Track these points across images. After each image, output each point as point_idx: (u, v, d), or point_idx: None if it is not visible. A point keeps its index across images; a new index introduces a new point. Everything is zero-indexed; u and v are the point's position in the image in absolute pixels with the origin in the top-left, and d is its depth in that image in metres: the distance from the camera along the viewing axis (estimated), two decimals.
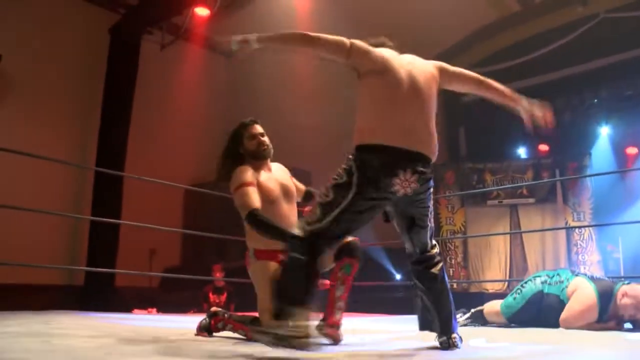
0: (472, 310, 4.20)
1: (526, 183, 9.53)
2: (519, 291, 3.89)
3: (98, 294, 6.96)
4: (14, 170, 6.80)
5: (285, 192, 3.10)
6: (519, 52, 9.68)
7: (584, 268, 8.95)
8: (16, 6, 7.73)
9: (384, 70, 2.45)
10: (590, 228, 9.08)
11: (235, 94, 10.08)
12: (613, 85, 9.38)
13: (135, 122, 8.10)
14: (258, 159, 3.07)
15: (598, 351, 2.44)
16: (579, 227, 9.04)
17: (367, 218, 2.36)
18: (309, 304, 2.17)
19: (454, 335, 2.44)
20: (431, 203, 2.49)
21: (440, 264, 2.58)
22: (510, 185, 9.63)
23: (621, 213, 8.88)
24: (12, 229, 6.58)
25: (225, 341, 2.86)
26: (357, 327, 3.95)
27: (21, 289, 6.36)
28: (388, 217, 2.56)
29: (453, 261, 9.93)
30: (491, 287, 9.45)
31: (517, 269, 9.78)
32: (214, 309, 3.16)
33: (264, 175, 3.04)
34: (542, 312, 3.73)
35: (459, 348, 2.41)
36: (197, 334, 3.09)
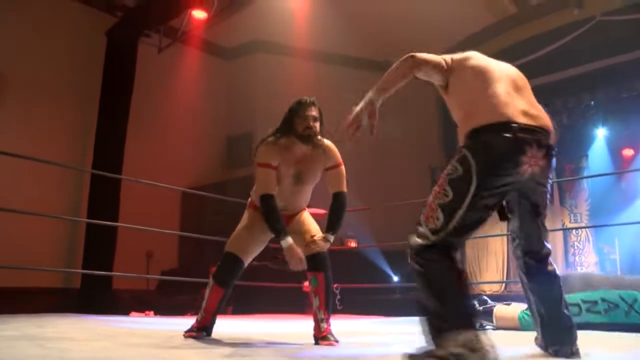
0: (480, 308, 4.03)
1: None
2: None
3: (95, 297, 6.93)
4: (10, 173, 6.80)
5: (298, 178, 3.16)
6: (515, 55, 9.65)
7: (581, 269, 8.96)
8: (13, 9, 7.73)
9: (475, 63, 2.35)
10: (587, 229, 9.09)
11: (232, 96, 10.10)
12: (609, 88, 9.39)
13: (133, 125, 8.09)
14: (301, 141, 3.10)
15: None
16: (576, 229, 9.05)
17: (494, 210, 2.12)
18: (469, 314, 1.93)
19: (575, 345, 2.15)
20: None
21: (557, 278, 2.25)
22: None
23: (618, 214, 8.88)
24: (8, 231, 6.57)
25: (221, 343, 2.86)
26: (360, 330, 3.95)
27: (17, 292, 6.34)
28: (505, 213, 2.31)
29: None
30: (488, 289, 9.45)
31: (515, 270, 9.78)
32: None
33: (289, 159, 3.12)
34: None
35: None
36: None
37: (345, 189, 3.19)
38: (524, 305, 3.78)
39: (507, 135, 1.99)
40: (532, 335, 2.40)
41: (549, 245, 2.25)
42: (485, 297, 4.14)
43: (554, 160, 2.17)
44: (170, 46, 9.08)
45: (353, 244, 8.90)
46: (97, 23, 8.44)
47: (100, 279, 6.99)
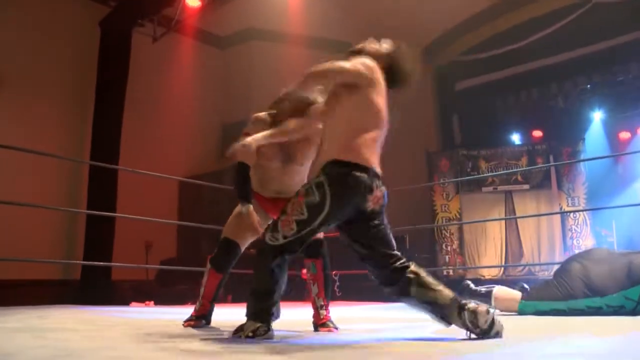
0: (480, 288, 4.00)
1: (521, 169, 9.55)
2: (555, 314, 3.54)
3: (94, 288, 6.96)
4: (7, 166, 6.79)
5: (287, 157, 3.11)
6: (511, 39, 9.68)
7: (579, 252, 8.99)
8: (6, 1, 7.68)
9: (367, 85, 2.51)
10: (585, 213, 9.12)
11: (228, 85, 10.08)
12: (606, 71, 9.39)
13: (129, 115, 8.07)
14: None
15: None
16: (574, 212, 9.08)
17: (334, 225, 2.49)
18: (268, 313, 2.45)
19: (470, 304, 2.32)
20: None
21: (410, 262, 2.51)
22: (505, 172, 9.66)
23: (615, 197, 8.92)
24: (7, 224, 6.57)
25: (221, 331, 2.87)
26: (359, 316, 3.96)
27: (17, 285, 6.36)
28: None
29: (449, 248, 9.97)
30: (487, 273, 9.50)
31: (513, 254, 9.82)
32: None
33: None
34: None
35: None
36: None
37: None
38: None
39: (365, 176, 2.37)
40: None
41: (393, 257, 2.49)
42: (468, 282, 4.13)
43: (386, 197, 2.51)
44: (165, 35, 9.03)
45: None
46: (90, 13, 8.39)
47: (99, 270, 7.01)
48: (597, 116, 9.84)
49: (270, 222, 3.16)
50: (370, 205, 2.40)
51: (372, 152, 2.43)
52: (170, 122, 9.09)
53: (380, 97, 2.52)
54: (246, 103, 9.75)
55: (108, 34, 8.18)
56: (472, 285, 4.05)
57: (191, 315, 3.24)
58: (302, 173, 3.18)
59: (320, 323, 2.98)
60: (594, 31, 8.81)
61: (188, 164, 9.04)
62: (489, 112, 10.66)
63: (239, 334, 2.41)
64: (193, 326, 3.13)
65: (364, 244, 2.48)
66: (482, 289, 4.01)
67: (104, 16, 8.29)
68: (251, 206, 2.97)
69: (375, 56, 2.65)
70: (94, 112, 8.03)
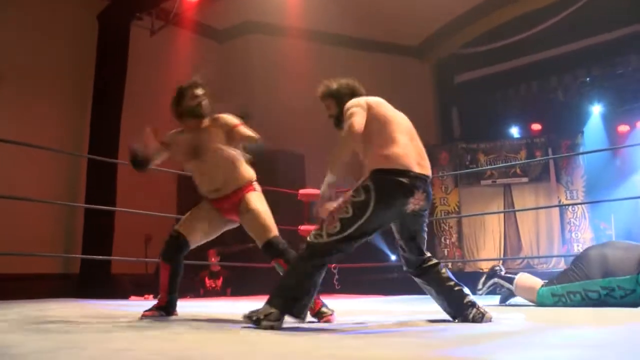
0: (498, 279, 4.01)
1: (520, 162, 9.56)
2: (563, 300, 3.60)
3: (94, 281, 6.97)
4: (6, 160, 6.78)
5: (194, 152, 3.30)
6: (511, 31, 9.67)
7: (577, 246, 9.02)
8: None
9: (383, 113, 2.79)
10: (584, 206, 9.13)
11: (227, 78, 10.03)
12: (605, 64, 9.38)
13: (127, 109, 8.05)
14: (192, 115, 3.40)
15: None
16: (572, 205, 9.09)
17: (378, 230, 2.69)
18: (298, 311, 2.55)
19: (478, 306, 2.73)
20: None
21: (438, 266, 2.88)
22: (503, 165, 9.67)
23: (613, 190, 8.92)
24: (7, 218, 6.57)
25: (221, 324, 2.88)
26: (358, 309, 3.97)
27: (17, 279, 6.36)
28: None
29: (448, 241, 9.99)
30: (486, 267, 9.50)
31: (512, 247, 9.84)
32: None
33: (179, 141, 3.43)
34: None
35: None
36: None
37: (253, 135, 3.25)
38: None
39: (404, 180, 2.61)
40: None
41: (427, 254, 2.88)
42: (499, 267, 4.13)
43: (430, 198, 2.79)
44: (163, 29, 9.01)
45: None
46: (88, 7, 8.36)
47: (99, 264, 7.01)
48: (596, 109, 9.83)
49: (226, 223, 3.37)
50: (410, 207, 2.65)
51: (407, 155, 2.66)
52: (169, 115, 9.05)
53: (384, 110, 2.81)
54: (245, 95, 9.75)
55: (106, 28, 8.16)
56: (501, 271, 4.07)
57: (153, 306, 3.28)
58: (224, 171, 3.26)
59: (314, 313, 2.99)
60: (594, 24, 8.80)
61: None
62: (489, 105, 10.66)
63: (252, 316, 2.52)
64: (150, 317, 3.15)
65: (401, 242, 2.82)
66: (509, 274, 4.02)
67: (102, 10, 8.26)
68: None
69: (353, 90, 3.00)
70: (93, 105, 8.02)
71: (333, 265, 6.14)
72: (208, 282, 7.12)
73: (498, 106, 10.70)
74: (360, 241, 2.63)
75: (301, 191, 6.59)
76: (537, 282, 3.80)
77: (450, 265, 9.64)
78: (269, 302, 2.55)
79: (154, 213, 6.54)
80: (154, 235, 8.50)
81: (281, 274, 3.06)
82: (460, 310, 2.74)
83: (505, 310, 3.46)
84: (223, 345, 2.04)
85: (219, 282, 7.16)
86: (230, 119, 3.28)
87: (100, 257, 6.68)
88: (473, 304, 2.73)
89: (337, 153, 2.64)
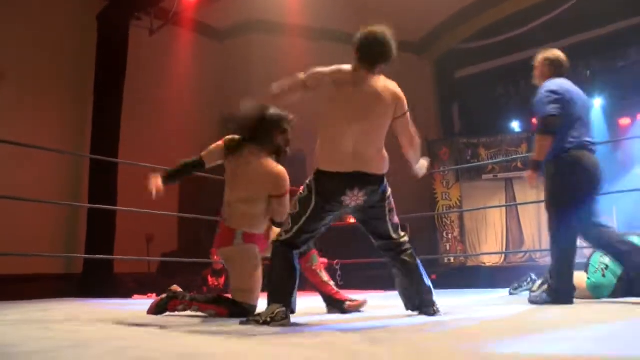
0: (541, 280, 3.77)
1: (521, 156, 9.55)
2: (603, 266, 3.51)
3: (97, 281, 6.98)
4: (8, 160, 6.78)
5: (236, 182, 3.25)
6: (510, 26, 9.65)
7: (579, 239, 9.00)
8: None
9: (334, 93, 2.88)
10: None
11: (226, 77, 10.05)
12: (605, 57, 9.36)
13: (128, 108, 8.06)
14: (277, 155, 3.30)
15: None
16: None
17: (329, 222, 2.86)
18: (286, 300, 2.65)
19: (435, 306, 2.84)
20: (388, 204, 2.91)
21: (409, 250, 2.96)
22: (504, 159, 9.66)
23: (615, 183, 8.90)
24: (9, 219, 6.57)
25: (226, 320, 2.88)
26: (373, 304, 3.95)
27: (19, 279, 6.37)
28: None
29: (450, 236, 9.98)
30: (488, 261, 9.52)
31: (514, 242, 9.85)
32: (174, 287, 3.21)
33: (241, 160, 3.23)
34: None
35: (441, 314, 2.79)
36: (148, 313, 3.11)
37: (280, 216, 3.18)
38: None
39: (333, 181, 2.74)
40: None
41: (395, 236, 2.95)
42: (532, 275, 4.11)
43: (380, 192, 2.84)
44: (162, 28, 9.01)
45: (352, 220, 8.92)
46: (87, 7, 8.36)
47: (101, 264, 7.03)
48: (597, 102, 9.81)
49: None
50: (348, 202, 2.78)
51: (332, 155, 2.76)
52: (169, 114, 9.08)
53: (337, 85, 2.93)
54: (245, 95, 9.74)
55: (105, 27, 8.16)
56: (533, 276, 4.09)
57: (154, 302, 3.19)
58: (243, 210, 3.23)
59: (344, 299, 3.19)
60: (594, 17, 8.78)
61: (188, 156, 9.01)
62: (489, 100, 10.64)
63: (257, 319, 2.54)
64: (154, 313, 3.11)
65: (366, 230, 2.98)
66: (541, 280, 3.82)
67: (101, 9, 8.26)
68: (163, 178, 3.40)
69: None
70: (93, 105, 8.02)
71: (335, 262, 6.15)
72: (211, 280, 7.12)
73: (498, 101, 10.69)
74: (313, 234, 2.83)
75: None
76: (583, 278, 3.62)
77: (452, 259, 9.64)
78: (269, 302, 2.66)
79: (156, 212, 6.54)
80: (155, 234, 8.53)
81: (316, 264, 3.28)
82: (423, 304, 2.86)
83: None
84: (227, 343, 2.05)
85: (222, 280, 7.16)
86: (278, 187, 3.20)
87: (103, 256, 6.69)
88: (434, 302, 2.85)
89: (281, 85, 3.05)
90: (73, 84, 8.39)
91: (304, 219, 2.76)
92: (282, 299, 2.64)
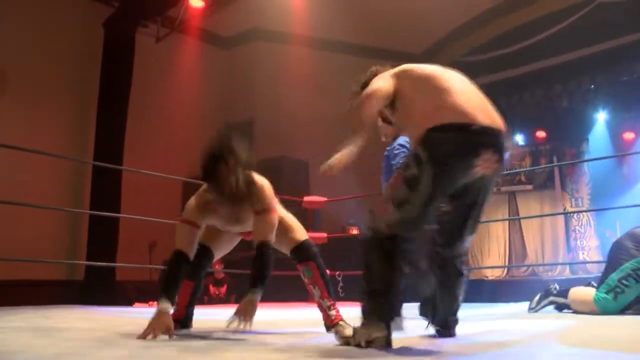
0: (552, 297, 3.81)
1: (524, 169, 9.53)
2: (619, 290, 3.35)
3: (98, 288, 6.97)
4: (11, 166, 6.80)
5: (237, 222, 2.95)
6: (515, 39, 9.66)
7: (583, 254, 8.99)
8: (10, 2, 7.70)
9: (420, 72, 2.34)
10: (589, 214, 9.10)
11: (232, 85, 10.08)
12: (609, 71, 9.36)
13: (133, 115, 8.08)
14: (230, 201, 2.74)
15: None
16: (577, 212, 9.07)
17: (446, 206, 2.29)
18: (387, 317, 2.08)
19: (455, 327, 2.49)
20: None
21: (461, 271, 2.51)
22: (508, 172, 9.65)
23: (619, 198, 8.89)
24: (11, 224, 6.58)
25: (226, 331, 2.87)
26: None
27: (21, 285, 6.37)
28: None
29: None
30: (490, 274, 9.48)
31: (517, 255, 9.82)
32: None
33: (221, 215, 2.89)
34: None
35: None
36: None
37: (270, 239, 2.78)
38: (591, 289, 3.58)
39: (465, 136, 2.06)
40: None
41: (466, 244, 2.45)
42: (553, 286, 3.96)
43: (505, 160, 2.20)
44: (168, 36, 9.05)
45: (355, 231, 8.91)
46: (94, 14, 8.41)
47: (103, 271, 7.02)
48: (601, 117, 9.81)
49: (236, 241, 3.23)
50: (478, 170, 2.11)
51: (466, 103, 2.14)
52: (174, 122, 9.10)
53: (421, 68, 2.35)
54: (250, 103, 9.77)
55: (111, 34, 8.19)
56: (556, 289, 3.90)
57: None
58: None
59: (332, 324, 2.88)
60: (598, 31, 8.78)
61: (193, 163, 9.02)
62: None
63: (349, 340, 2.13)
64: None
65: (447, 217, 2.32)
66: (552, 296, 3.85)
67: (108, 16, 8.30)
68: (168, 306, 2.57)
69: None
70: (98, 112, 8.04)
71: (337, 273, 6.13)
72: (212, 290, 7.11)
73: (502, 114, 10.68)
74: (427, 221, 2.20)
75: (306, 198, 6.59)
76: (590, 292, 3.54)
77: None
78: (364, 322, 2.12)
79: (159, 220, 6.54)
80: (158, 241, 8.52)
81: (309, 278, 2.94)
82: (446, 323, 2.48)
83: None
84: (231, 355, 2.03)
85: (223, 289, 7.15)
86: (268, 198, 2.82)
87: (105, 263, 6.68)
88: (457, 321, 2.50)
89: (360, 111, 2.21)
90: (78, 90, 8.42)
91: (414, 201, 2.07)
92: (382, 314, 2.08)
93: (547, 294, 3.88)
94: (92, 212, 7.14)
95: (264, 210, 2.79)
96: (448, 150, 2.06)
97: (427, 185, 2.05)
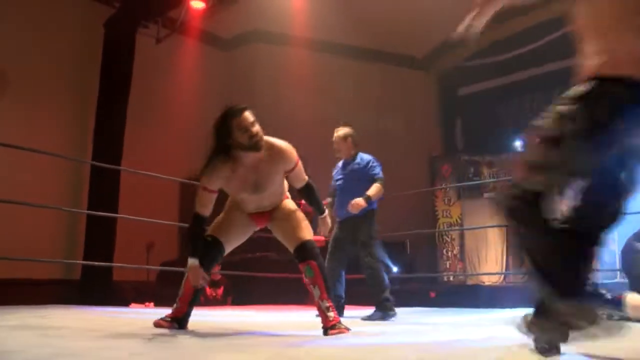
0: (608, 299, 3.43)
1: None
2: None
3: (95, 288, 6.95)
4: (10, 165, 6.78)
5: (256, 188, 3.05)
6: (515, 44, 9.68)
7: None
8: (9, 1, 7.70)
9: None
10: None
11: (232, 86, 10.09)
12: None
13: (132, 116, 8.07)
14: (252, 151, 2.92)
15: None
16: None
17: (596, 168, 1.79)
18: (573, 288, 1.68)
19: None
20: None
21: None
22: (507, 178, 9.65)
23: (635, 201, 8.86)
24: (8, 223, 6.57)
25: (222, 332, 2.87)
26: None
27: (17, 284, 6.35)
28: None
29: (450, 254, 9.95)
30: (487, 280, 9.47)
31: (514, 261, 9.80)
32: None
33: (239, 176, 2.99)
34: None
35: None
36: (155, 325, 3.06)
37: (307, 177, 3.27)
38: None
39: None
40: None
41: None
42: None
43: None
44: (169, 37, 9.06)
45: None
46: (94, 14, 8.40)
47: (100, 271, 7.00)
48: None
49: (253, 229, 3.27)
50: None
51: None
52: (174, 123, 9.10)
53: None
54: (250, 104, 9.76)
55: (112, 35, 8.19)
56: (608, 295, 3.78)
57: (166, 316, 3.12)
58: (276, 190, 3.17)
59: (329, 325, 2.88)
60: None
61: (191, 164, 9.01)
62: (492, 118, 10.64)
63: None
64: (164, 327, 3.01)
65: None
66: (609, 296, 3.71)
67: (108, 17, 8.30)
68: (197, 261, 2.99)
69: None
70: (97, 111, 8.03)
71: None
72: (209, 291, 7.09)
73: (502, 119, 10.69)
74: (579, 180, 1.82)
75: (304, 201, 6.57)
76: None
77: (452, 278, 9.60)
78: (538, 317, 1.77)
79: (157, 220, 6.54)
80: (156, 242, 8.52)
81: (310, 278, 2.96)
82: None
83: None
84: (225, 355, 2.03)
85: (220, 291, 7.14)
86: (289, 158, 3.08)
87: (102, 263, 6.67)
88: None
89: None
90: (77, 90, 8.41)
91: (568, 156, 1.71)
92: (566, 285, 1.67)
93: (599, 298, 3.43)
94: (91, 212, 7.11)
95: (295, 165, 3.12)
96: (621, 107, 1.72)
97: (587, 129, 1.73)
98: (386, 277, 4.63)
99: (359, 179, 4.68)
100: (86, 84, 8.26)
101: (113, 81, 8.01)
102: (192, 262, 2.98)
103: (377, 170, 4.72)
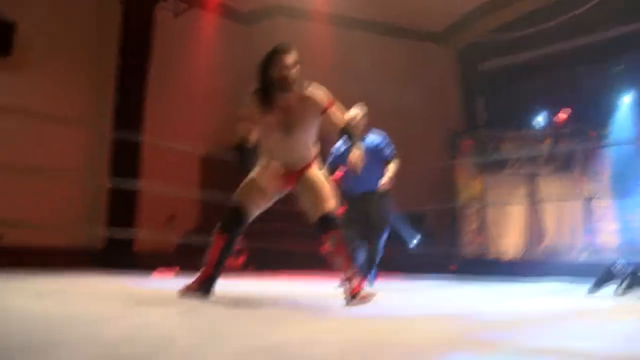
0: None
1: (545, 151, 9.43)
2: None
3: (117, 256, 7.04)
4: (33, 135, 6.86)
5: (287, 127, 3.08)
6: (541, 18, 9.48)
7: (601, 236, 8.90)
8: None
9: None
10: (609, 197, 8.99)
11: (251, 60, 10.01)
12: (635, 53, 9.16)
13: (153, 87, 8.10)
14: (277, 89, 3.03)
15: None
16: (597, 196, 8.96)
17: None
18: None
19: None
20: None
21: None
22: (528, 153, 9.55)
23: None
24: (32, 191, 6.65)
25: (238, 302, 2.90)
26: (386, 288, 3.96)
27: (41, 251, 6.44)
28: None
29: (470, 227, 9.92)
30: (508, 254, 9.47)
31: (534, 236, 9.75)
32: None
33: (274, 110, 3.06)
34: None
35: None
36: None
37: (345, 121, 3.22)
38: None
39: None
40: None
41: None
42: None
43: None
44: (187, 11, 9.04)
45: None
46: None
47: (122, 240, 7.09)
48: (626, 99, 9.63)
49: (278, 195, 3.23)
50: None
51: None
52: (194, 94, 9.12)
53: None
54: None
55: (130, 9, 8.15)
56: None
57: (190, 284, 3.04)
58: (305, 144, 3.16)
59: (353, 294, 2.92)
60: (625, 12, 8.58)
61: (212, 135, 9.04)
62: (514, 93, 10.50)
63: None
64: (188, 295, 2.95)
65: None
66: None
67: None
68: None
69: None
70: (118, 82, 8.05)
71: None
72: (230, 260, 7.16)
73: (524, 94, 10.53)
74: None
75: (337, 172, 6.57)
76: None
77: (472, 251, 9.59)
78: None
79: (178, 192, 6.57)
80: (177, 212, 8.58)
81: (333, 248, 2.99)
82: None
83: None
84: (255, 322, 2.06)
85: (240, 260, 7.20)
86: (320, 99, 3.13)
87: (125, 233, 6.74)
88: None
89: None
90: (98, 61, 8.41)
91: None
92: None
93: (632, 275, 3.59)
94: (113, 183, 7.16)
95: (330, 105, 3.14)
96: None
97: None
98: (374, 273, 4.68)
99: (370, 157, 4.61)
100: (106, 56, 8.25)
101: (133, 53, 8.02)
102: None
103: (388, 151, 4.94)
